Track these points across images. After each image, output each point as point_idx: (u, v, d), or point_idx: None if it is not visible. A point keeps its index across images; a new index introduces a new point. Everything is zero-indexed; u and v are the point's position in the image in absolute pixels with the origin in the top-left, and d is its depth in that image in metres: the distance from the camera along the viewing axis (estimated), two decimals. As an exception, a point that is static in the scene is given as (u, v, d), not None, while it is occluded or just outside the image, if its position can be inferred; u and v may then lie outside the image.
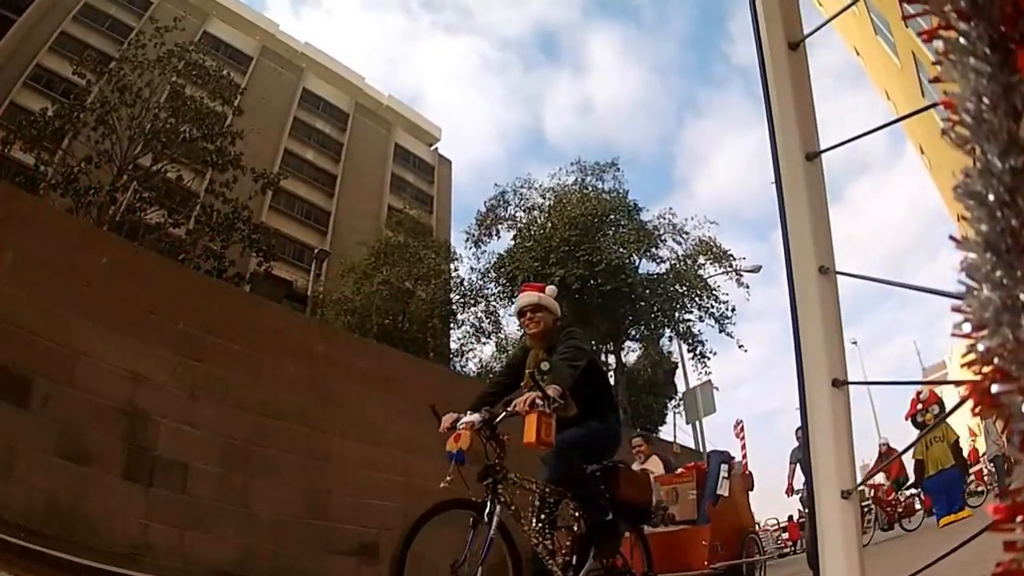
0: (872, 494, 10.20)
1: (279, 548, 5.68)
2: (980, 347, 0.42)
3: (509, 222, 19.82)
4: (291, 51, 36.92)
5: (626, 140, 74.37)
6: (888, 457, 9.92)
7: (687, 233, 19.29)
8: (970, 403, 0.44)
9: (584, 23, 78.71)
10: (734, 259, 18.74)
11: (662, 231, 19.24)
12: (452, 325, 19.01)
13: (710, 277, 18.84)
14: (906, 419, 8.50)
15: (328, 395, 6.66)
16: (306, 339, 7.11)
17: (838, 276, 1.33)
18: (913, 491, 10.80)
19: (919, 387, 8.87)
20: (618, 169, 19.90)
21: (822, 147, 1.35)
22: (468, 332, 19.25)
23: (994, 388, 0.42)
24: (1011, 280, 0.41)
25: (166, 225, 14.45)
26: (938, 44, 0.45)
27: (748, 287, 18.75)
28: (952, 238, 0.45)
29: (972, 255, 0.43)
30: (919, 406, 8.29)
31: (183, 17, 17.30)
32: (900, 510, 10.76)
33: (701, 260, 19.11)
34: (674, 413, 19.12)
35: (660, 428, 20.24)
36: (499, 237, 19.98)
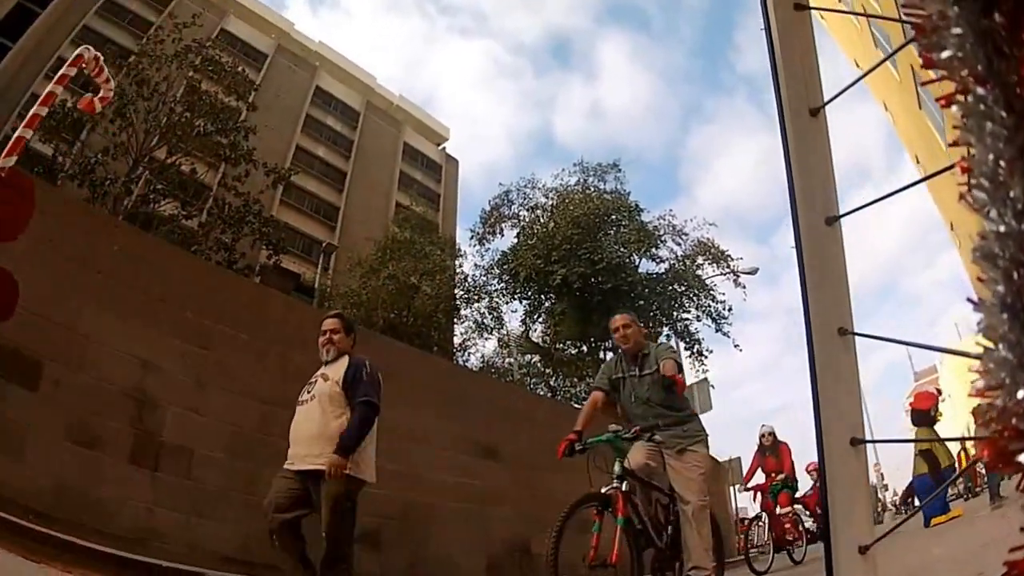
0: (760, 500, 8.60)
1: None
2: (997, 405, 0.43)
3: (513, 220, 20.00)
4: (305, 50, 37.14)
5: (633, 144, 74.59)
6: (773, 449, 8.65)
7: (686, 234, 19.46)
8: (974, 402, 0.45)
9: (596, 30, 78.77)
10: (732, 259, 18.92)
11: (662, 232, 19.39)
12: (456, 320, 19.12)
13: (708, 278, 19.05)
14: (922, 409, 8.31)
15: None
16: (312, 330, 7.17)
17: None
18: (799, 508, 8.99)
19: (916, 391, 8.88)
20: (620, 170, 20.10)
21: (841, 211, 1.37)
22: (471, 328, 19.50)
23: (1011, 447, 0.42)
24: None
25: (179, 217, 14.58)
26: (955, 110, 0.46)
27: (745, 287, 18.96)
28: (970, 300, 0.46)
29: (989, 316, 0.43)
30: (929, 402, 8.25)
31: (201, 14, 17.41)
32: (787, 527, 8.44)
33: (699, 260, 19.28)
34: None
35: None
36: (503, 235, 20.14)
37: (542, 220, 19.31)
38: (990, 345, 0.43)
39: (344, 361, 4.22)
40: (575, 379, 19.51)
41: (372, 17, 73.96)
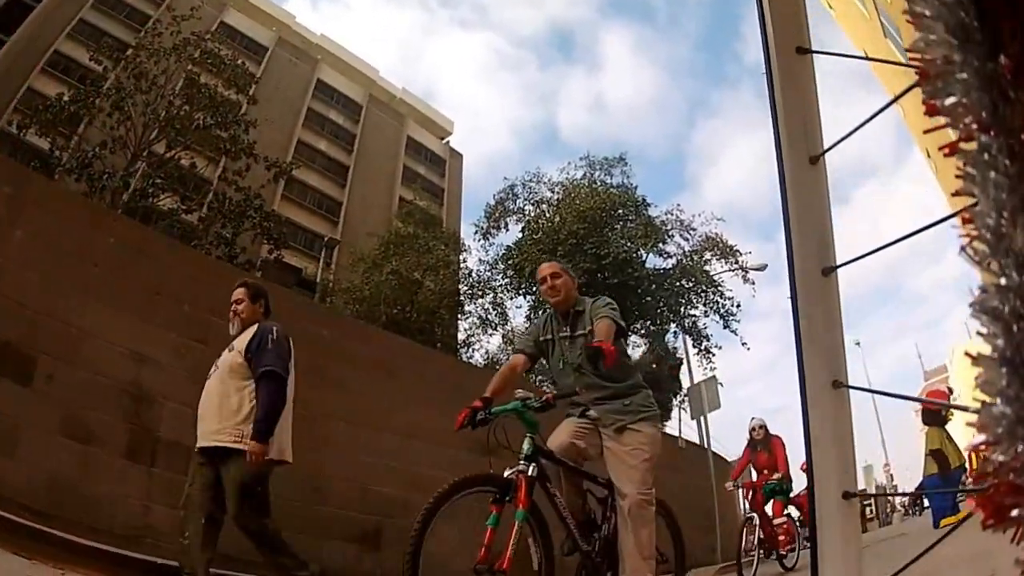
0: (750, 496, 7.93)
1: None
2: (993, 461, 0.42)
3: (517, 215, 19.79)
4: (306, 43, 37.05)
5: (638, 138, 74.28)
6: (764, 443, 8.05)
7: (694, 229, 19.22)
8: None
9: (599, 22, 78.46)
10: (740, 254, 18.70)
11: (669, 227, 19.17)
12: (460, 316, 19.04)
13: (716, 274, 18.83)
14: (927, 408, 8.31)
15: (332, 381, 6.64)
16: (311, 324, 7.10)
17: (837, 275, 1.32)
18: (794, 513, 8.43)
19: (928, 390, 8.78)
20: (626, 164, 19.86)
21: (826, 145, 1.34)
22: (475, 323, 19.36)
23: (1007, 501, 0.42)
24: None
25: (179, 211, 14.53)
26: (957, 159, 0.45)
27: (754, 283, 18.79)
28: (968, 354, 0.45)
29: (988, 370, 0.43)
30: (952, 397, 8.28)
31: (200, 7, 17.34)
32: (782, 538, 7.92)
33: (707, 256, 19.05)
34: (679, 409, 19.12)
35: (665, 424, 20.02)
36: (507, 230, 19.95)
37: (547, 214, 19.10)
38: (988, 399, 0.43)
39: (253, 329, 3.94)
40: (580, 376, 19.22)
41: (373, 9, 73.83)
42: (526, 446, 3.38)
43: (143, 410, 5.18)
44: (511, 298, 19.37)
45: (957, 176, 0.45)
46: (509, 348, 20.27)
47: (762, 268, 18.50)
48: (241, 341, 3.87)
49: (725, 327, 18.61)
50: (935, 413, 8.22)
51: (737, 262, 18.65)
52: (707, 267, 18.94)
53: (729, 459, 15.76)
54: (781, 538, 7.82)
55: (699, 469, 12.54)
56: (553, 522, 3.40)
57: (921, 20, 0.45)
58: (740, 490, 8.29)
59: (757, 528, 7.37)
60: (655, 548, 3.47)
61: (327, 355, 6.76)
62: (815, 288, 1.29)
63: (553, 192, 19.70)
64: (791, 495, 8.21)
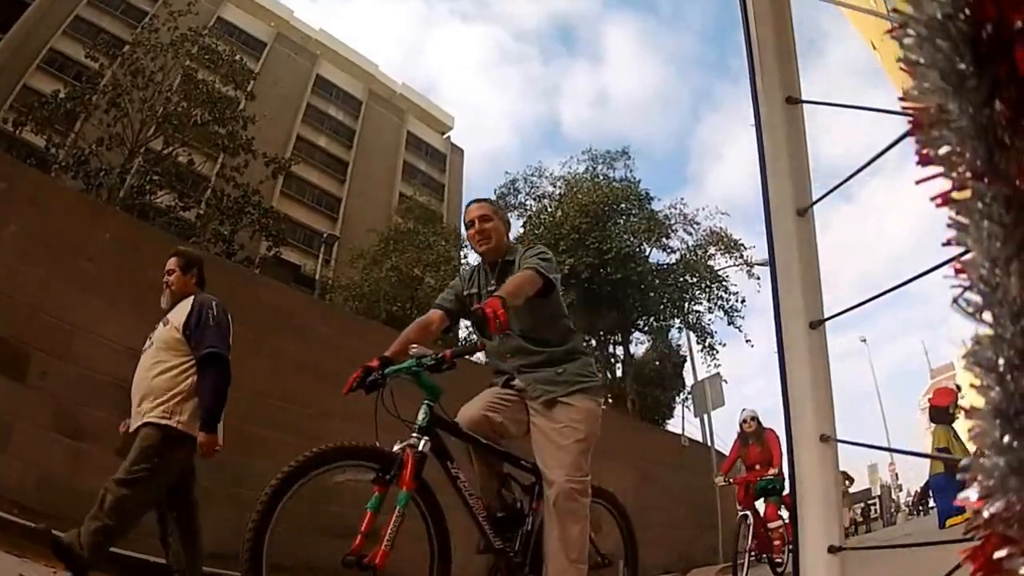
0: (743, 494, 7.39)
1: (274, 530, 5.64)
2: (984, 513, 0.42)
3: (519, 210, 19.59)
4: (305, 38, 36.94)
5: (641, 132, 74.02)
6: (757, 436, 7.52)
7: (697, 223, 19.02)
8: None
9: (602, 14, 78.11)
10: (744, 248, 18.45)
11: (673, 221, 18.97)
12: (461, 313, 18.96)
13: (720, 269, 18.63)
14: (940, 406, 8.13)
15: (329, 376, 6.59)
16: (308, 320, 7.08)
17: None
18: (786, 515, 7.39)
19: (935, 388, 8.73)
20: (629, 158, 19.69)
21: (814, 197, 1.31)
22: (475, 319, 19.15)
23: (996, 554, 0.41)
24: (1019, 444, 0.41)
25: (176, 208, 14.50)
26: (948, 209, 0.45)
27: (759, 278, 18.39)
28: (961, 407, 0.44)
29: (981, 422, 0.42)
30: (949, 398, 8.07)
31: (197, 2, 17.24)
32: (776, 543, 7.32)
33: (711, 251, 18.81)
34: (682, 406, 19.02)
35: (668, 421, 19.99)
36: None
37: (549, 209, 18.89)
38: (982, 451, 0.42)
39: (188, 302, 3.61)
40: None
41: (372, 3, 73.41)
42: (420, 415, 2.84)
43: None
44: None
45: (948, 226, 0.45)
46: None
47: (766, 263, 18.24)
48: (177, 315, 3.59)
49: (729, 323, 18.38)
50: (943, 410, 8.09)
51: (741, 256, 18.43)
52: (711, 262, 18.72)
53: None
54: (776, 543, 7.33)
55: (702, 467, 12.48)
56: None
57: (915, 68, 0.44)
58: (734, 487, 7.84)
59: (751, 528, 7.02)
60: (591, 549, 2.95)
61: (325, 352, 6.73)
62: (805, 342, 1.26)
63: (555, 187, 19.53)
64: (784, 494, 7.61)
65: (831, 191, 1.31)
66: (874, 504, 23.81)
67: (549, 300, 3.00)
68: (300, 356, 6.53)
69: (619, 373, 19.67)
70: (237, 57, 16.77)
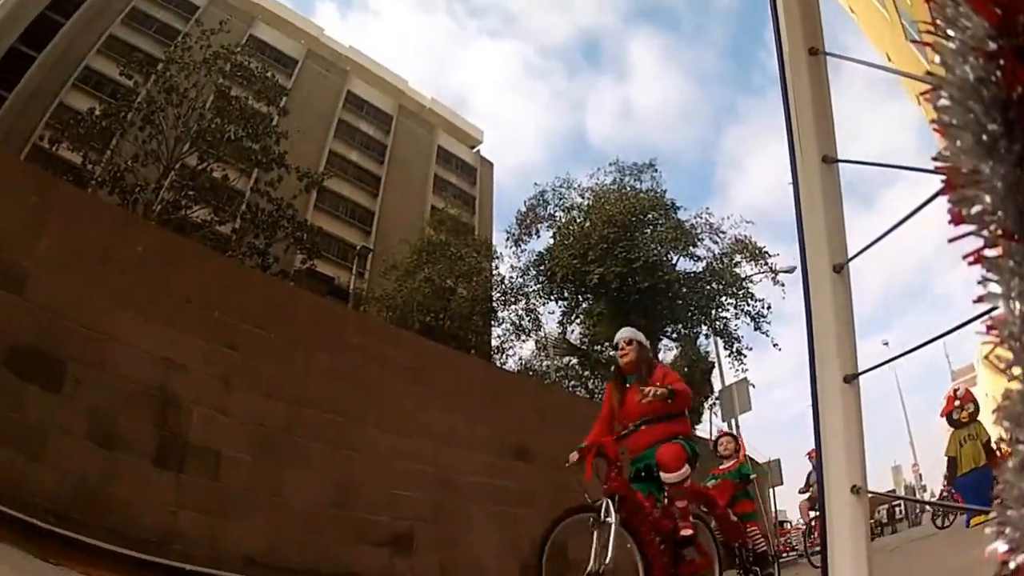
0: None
1: (309, 538, 5.61)
2: (1011, 565, 0.42)
3: (549, 221, 20.01)
4: (336, 54, 37.39)
5: (666, 145, 73.85)
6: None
7: (723, 232, 19.45)
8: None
9: (625, 30, 78.28)
10: (769, 256, 18.81)
11: (699, 230, 19.42)
12: (493, 323, 19.05)
13: (746, 277, 19.05)
14: (941, 416, 8.37)
15: (363, 385, 6.57)
16: (342, 330, 7.05)
17: (848, 271, 1.35)
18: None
19: (954, 385, 8.85)
20: (656, 170, 20.09)
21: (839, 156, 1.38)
22: (508, 329, 19.41)
23: None
24: None
25: (212, 223, 14.69)
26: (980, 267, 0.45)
27: (784, 285, 18.70)
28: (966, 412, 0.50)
29: (1010, 475, 0.43)
30: (956, 403, 8.16)
31: (229, 20, 17.58)
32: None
33: (737, 258, 19.26)
34: (711, 412, 19.31)
35: (697, 427, 20.02)
36: (539, 236, 20.17)
37: (578, 220, 19.27)
38: (1009, 507, 0.43)
39: None
40: (613, 381, 19.19)
41: (401, 20, 74.36)
42: None
43: (171, 415, 5.14)
44: (543, 303, 19.64)
45: (980, 283, 0.45)
46: (542, 354, 20.21)
47: (791, 270, 18.43)
48: None
49: (756, 329, 18.91)
50: (948, 418, 8.27)
51: (767, 264, 18.87)
52: (737, 269, 19.25)
53: (760, 461, 15.60)
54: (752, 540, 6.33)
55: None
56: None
57: (948, 130, 0.45)
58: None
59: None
60: None
61: (358, 361, 6.70)
62: (826, 284, 1.31)
63: (583, 198, 19.95)
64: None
65: (866, 248, 1.33)
66: (899, 505, 23.40)
67: None
68: (334, 365, 6.50)
69: None
70: (269, 74, 17.01)
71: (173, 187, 14.09)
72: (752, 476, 7.04)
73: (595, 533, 3.60)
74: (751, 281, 18.94)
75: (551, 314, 20.19)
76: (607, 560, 3.47)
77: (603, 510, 3.64)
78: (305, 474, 5.75)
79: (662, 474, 3.88)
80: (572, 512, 3.70)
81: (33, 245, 4.84)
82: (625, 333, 4.39)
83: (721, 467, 7.07)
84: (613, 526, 3.56)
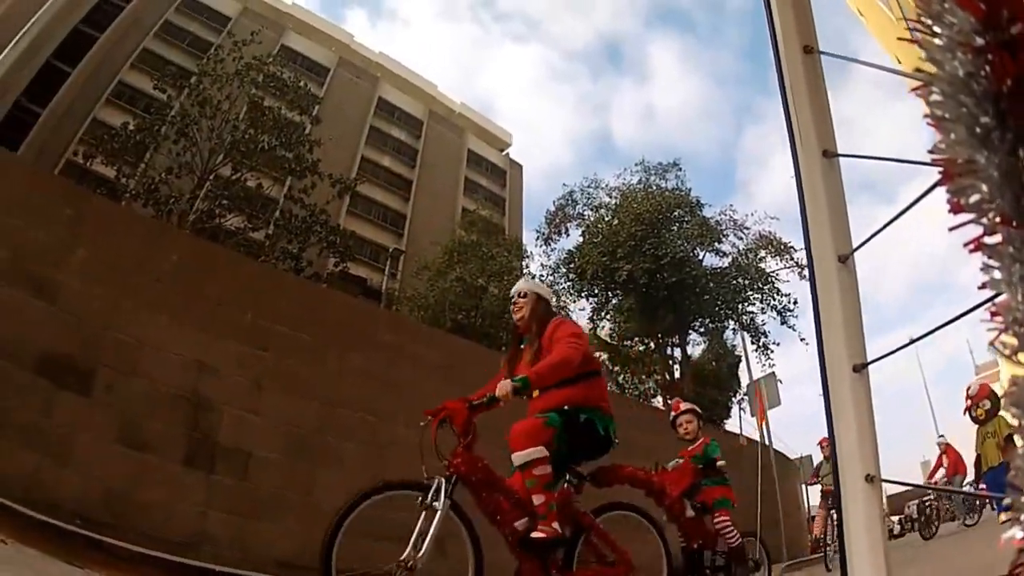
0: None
1: (341, 539, 5.59)
2: None
3: (577, 220, 20.44)
4: (366, 62, 37.81)
5: (688, 145, 73.57)
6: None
7: (748, 228, 19.74)
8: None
9: (645, 34, 78.32)
10: (795, 251, 18.89)
11: (724, 226, 19.71)
12: (524, 320, 19.08)
13: (772, 271, 19.21)
14: (964, 414, 8.20)
15: (394, 384, 6.56)
16: (374, 329, 7.06)
17: (854, 260, 1.37)
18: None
19: (974, 381, 8.64)
20: (680, 169, 20.45)
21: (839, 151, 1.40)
22: (539, 327, 19.35)
23: None
24: None
25: (245, 230, 14.88)
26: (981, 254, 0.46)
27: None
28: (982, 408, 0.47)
29: (1020, 461, 0.44)
30: (968, 401, 7.96)
31: (260, 31, 17.78)
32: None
33: (762, 254, 19.47)
34: (739, 407, 19.53)
35: (725, 421, 20.54)
36: (568, 235, 20.58)
37: (606, 218, 19.64)
38: (1020, 490, 0.43)
39: None
40: (643, 376, 19.38)
41: (429, 27, 75.17)
42: None
43: (202, 417, 5.17)
44: (574, 300, 19.89)
45: (982, 270, 0.46)
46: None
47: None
48: None
49: (783, 323, 19.04)
50: (969, 415, 8.07)
51: (792, 258, 19.04)
52: (762, 264, 19.46)
53: (791, 456, 15.39)
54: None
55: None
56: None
57: (941, 123, 0.46)
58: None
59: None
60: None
61: (390, 359, 6.70)
62: (832, 275, 1.33)
63: (611, 197, 20.35)
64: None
65: (870, 238, 1.33)
66: (931, 502, 22.97)
67: None
68: (366, 364, 6.51)
69: (677, 374, 20.16)
70: (301, 83, 17.19)
71: (207, 197, 14.28)
72: (720, 462, 6.00)
73: (421, 516, 2.99)
74: (776, 276, 19.12)
75: (581, 311, 20.35)
76: (421, 552, 2.87)
77: (432, 491, 3.01)
78: (337, 474, 5.74)
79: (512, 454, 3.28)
80: (382, 489, 3.02)
81: (67, 257, 4.93)
82: (519, 285, 3.77)
83: (688, 449, 6.25)
84: (439, 512, 2.96)
